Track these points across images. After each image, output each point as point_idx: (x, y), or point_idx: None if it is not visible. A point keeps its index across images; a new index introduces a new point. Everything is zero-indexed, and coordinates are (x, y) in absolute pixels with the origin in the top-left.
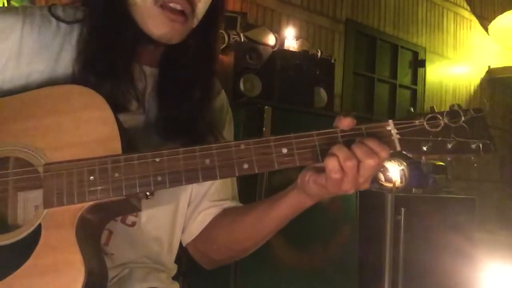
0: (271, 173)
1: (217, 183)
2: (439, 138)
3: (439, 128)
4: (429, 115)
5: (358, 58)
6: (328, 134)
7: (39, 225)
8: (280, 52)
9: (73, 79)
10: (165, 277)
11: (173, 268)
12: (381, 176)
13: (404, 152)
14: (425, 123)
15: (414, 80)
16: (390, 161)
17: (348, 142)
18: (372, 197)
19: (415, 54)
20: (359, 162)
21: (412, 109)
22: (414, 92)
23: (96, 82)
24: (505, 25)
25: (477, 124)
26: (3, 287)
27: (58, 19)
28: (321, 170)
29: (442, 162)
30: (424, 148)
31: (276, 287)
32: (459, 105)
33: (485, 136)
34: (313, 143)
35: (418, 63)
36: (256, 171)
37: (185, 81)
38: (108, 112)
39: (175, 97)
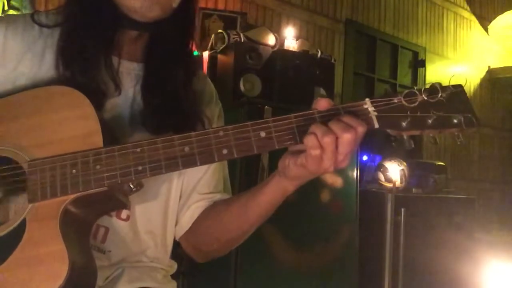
0: (272, 168)
1: (207, 176)
2: (418, 113)
3: (417, 103)
4: (407, 91)
5: (358, 58)
6: (305, 116)
7: (24, 219)
8: (280, 52)
9: (57, 77)
10: (161, 277)
11: (171, 266)
12: (381, 176)
13: (384, 129)
14: (402, 100)
15: (414, 80)
16: (391, 161)
17: (326, 121)
18: (372, 197)
19: (415, 54)
20: (336, 137)
21: (389, 89)
22: None
23: (76, 72)
24: (505, 25)
25: (458, 99)
26: None
27: (40, 25)
28: (300, 152)
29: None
30: (404, 124)
31: (276, 287)
32: (439, 83)
33: (466, 110)
34: (291, 125)
35: (418, 63)
36: (235, 156)
37: (168, 68)
38: (89, 109)
39: (160, 86)
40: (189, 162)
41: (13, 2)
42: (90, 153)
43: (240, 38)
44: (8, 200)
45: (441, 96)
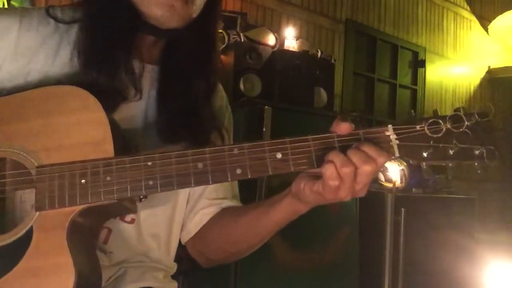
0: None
1: None
2: (441, 145)
3: (441, 133)
4: (431, 120)
5: (358, 58)
6: (324, 139)
7: (31, 227)
8: (280, 52)
9: (72, 76)
10: (162, 276)
11: (172, 267)
12: (381, 176)
13: (404, 159)
14: (426, 128)
15: (414, 80)
16: (391, 161)
17: (345, 147)
18: (372, 197)
19: (415, 54)
20: (356, 168)
21: (413, 112)
22: (414, 92)
23: (95, 75)
24: (505, 25)
25: (482, 129)
26: None
27: (55, 19)
28: (316, 177)
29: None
30: (425, 155)
31: (276, 287)
32: (463, 108)
33: (489, 141)
34: (308, 148)
35: (418, 63)
36: (249, 176)
37: (186, 76)
38: (101, 114)
39: (177, 93)
40: (201, 179)
41: (13, 2)
42: (101, 163)
43: (240, 38)
44: (15, 206)
45: (466, 126)
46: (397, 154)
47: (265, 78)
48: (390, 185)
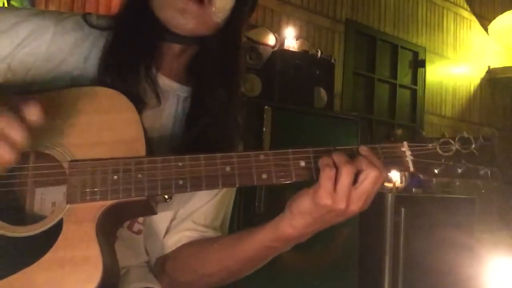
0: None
1: (207, 207)
2: (451, 163)
3: (451, 153)
4: (442, 140)
5: (358, 58)
6: (346, 151)
7: (61, 219)
8: (280, 52)
9: (98, 81)
10: None
11: None
12: None
13: (417, 173)
14: (438, 147)
15: (414, 80)
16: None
17: None
18: None
19: (415, 54)
20: (358, 171)
21: (423, 132)
22: (414, 92)
23: (115, 78)
24: (505, 25)
25: (486, 151)
26: (22, 277)
27: (90, 25)
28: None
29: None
30: (436, 171)
31: (276, 287)
32: (467, 133)
33: (493, 163)
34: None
35: (418, 63)
36: (274, 182)
37: (215, 95)
38: (134, 115)
39: (207, 115)
40: (228, 181)
41: (13, 2)
42: (132, 161)
43: None
44: (46, 198)
45: (473, 147)
46: (412, 169)
47: (265, 78)
48: (390, 185)
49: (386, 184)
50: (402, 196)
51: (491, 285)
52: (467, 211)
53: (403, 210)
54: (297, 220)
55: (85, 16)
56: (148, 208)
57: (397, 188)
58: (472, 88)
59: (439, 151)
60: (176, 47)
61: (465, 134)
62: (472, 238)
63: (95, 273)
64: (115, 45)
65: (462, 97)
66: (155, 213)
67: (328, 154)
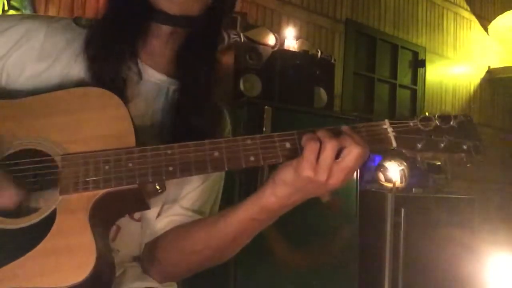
0: (271, 166)
1: (196, 192)
2: (432, 137)
3: (432, 127)
4: (422, 116)
5: (358, 58)
6: (330, 130)
7: (54, 210)
8: (280, 52)
9: (85, 72)
10: None
11: None
12: (381, 176)
13: (400, 149)
14: (418, 123)
15: (414, 80)
16: (391, 161)
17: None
18: (372, 197)
19: (415, 54)
20: (341, 146)
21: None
22: (414, 92)
23: (98, 59)
24: (505, 25)
25: (467, 127)
26: (18, 266)
27: (81, 26)
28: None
29: (438, 162)
30: (419, 146)
31: (276, 287)
32: (448, 111)
33: (475, 138)
34: None
35: (418, 63)
36: (262, 163)
37: (203, 88)
38: (124, 111)
39: (196, 110)
40: (217, 166)
41: (13, 2)
42: (123, 152)
43: (240, 38)
44: (39, 191)
45: (452, 123)
46: (394, 145)
47: (265, 78)
48: (390, 185)
49: (386, 184)
50: (402, 196)
51: (491, 285)
52: (467, 211)
53: (403, 210)
54: (279, 190)
55: (75, 20)
56: (140, 200)
57: (397, 188)
58: (472, 88)
59: (420, 127)
60: (164, 30)
61: (445, 112)
62: (472, 238)
63: (90, 259)
64: (98, 29)
65: (462, 97)
66: (149, 207)
67: (313, 132)
